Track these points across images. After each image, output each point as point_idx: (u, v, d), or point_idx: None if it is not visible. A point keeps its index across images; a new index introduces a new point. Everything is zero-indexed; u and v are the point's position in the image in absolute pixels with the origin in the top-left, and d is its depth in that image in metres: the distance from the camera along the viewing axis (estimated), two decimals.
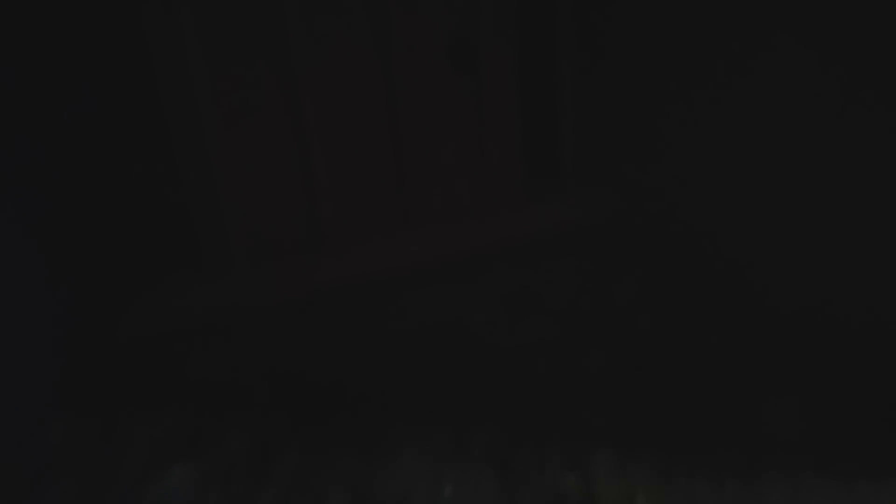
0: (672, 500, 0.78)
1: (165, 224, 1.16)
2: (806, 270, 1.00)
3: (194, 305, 1.12)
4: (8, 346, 1.01)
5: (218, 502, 0.79)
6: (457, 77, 1.21)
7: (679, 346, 1.03)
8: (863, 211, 0.89)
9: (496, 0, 1.19)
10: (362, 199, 1.23)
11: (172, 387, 0.99)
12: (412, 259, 1.25)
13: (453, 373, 1.00)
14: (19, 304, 1.02)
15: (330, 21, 1.11)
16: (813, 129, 0.93)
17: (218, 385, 1.00)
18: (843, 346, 0.97)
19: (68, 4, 1.04)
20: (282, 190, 1.17)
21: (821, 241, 0.96)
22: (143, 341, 1.10)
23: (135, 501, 0.79)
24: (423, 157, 1.25)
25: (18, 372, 1.01)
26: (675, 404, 0.91)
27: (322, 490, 0.80)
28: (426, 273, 1.27)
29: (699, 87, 1.10)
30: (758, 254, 1.07)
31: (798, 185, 0.98)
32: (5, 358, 1.00)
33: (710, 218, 1.16)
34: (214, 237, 1.15)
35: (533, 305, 1.16)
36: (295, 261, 1.19)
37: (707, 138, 1.12)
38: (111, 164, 1.10)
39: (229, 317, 1.15)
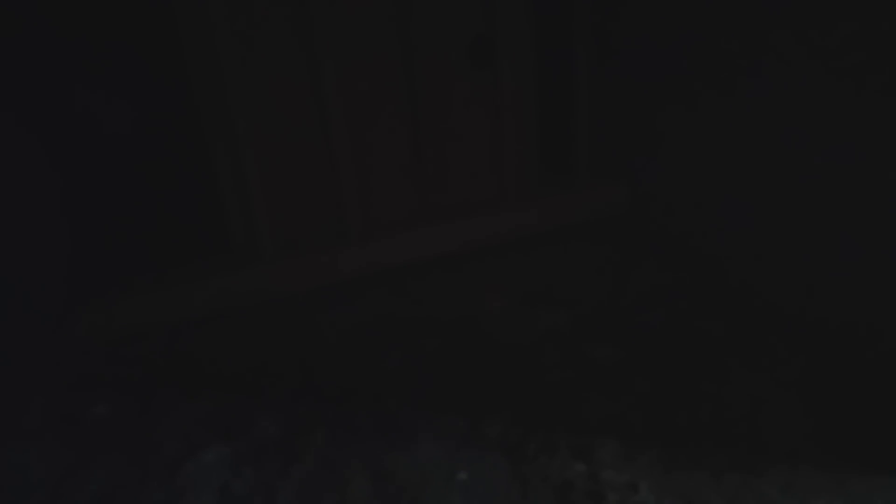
0: (673, 489, 0.83)
1: (194, 210, 1.21)
2: (802, 271, 1.04)
3: (223, 290, 1.18)
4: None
5: (251, 478, 0.85)
6: (475, 72, 1.25)
7: (685, 341, 1.07)
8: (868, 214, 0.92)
9: (513, 1, 1.22)
10: (382, 193, 1.27)
11: (202, 371, 1.05)
12: (431, 249, 1.30)
13: (468, 363, 1.05)
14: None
15: (354, 23, 1.14)
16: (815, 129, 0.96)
17: (248, 371, 1.06)
18: (846, 347, 1.00)
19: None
20: (308, 184, 1.22)
21: (821, 243, 1.00)
22: (171, 324, 1.16)
23: (173, 480, 0.85)
24: (441, 151, 1.29)
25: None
26: (679, 399, 0.96)
27: (346, 472, 0.86)
28: (444, 262, 1.31)
29: (705, 88, 1.13)
30: (759, 256, 1.11)
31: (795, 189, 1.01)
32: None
33: (708, 219, 1.19)
34: (244, 226, 1.20)
35: (544, 296, 1.21)
36: (320, 252, 1.24)
37: (710, 140, 1.14)
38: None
39: (257, 303, 1.21)
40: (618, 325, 1.12)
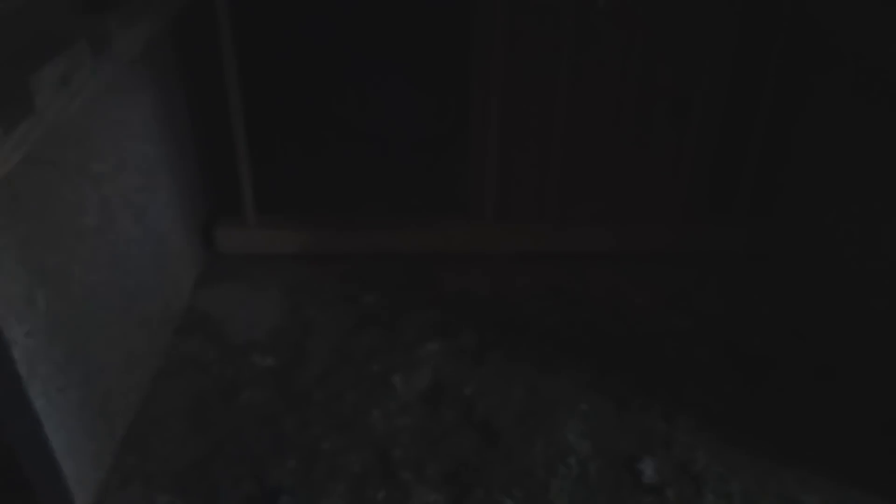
0: (721, 458, 1.22)
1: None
2: None
3: (454, 240, 1.69)
4: None
5: (452, 367, 1.37)
6: (669, 122, 1.61)
7: (775, 358, 1.42)
8: None
9: (714, 72, 1.55)
10: (579, 193, 1.69)
11: (434, 289, 1.59)
12: (605, 245, 1.71)
13: (607, 334, 1.48)
14: None
15: (588, 85, 1.55)
16: None
17: (460, 296, 1.57)
18: None
19: None
20: (525, 175, 1.67)
21: None
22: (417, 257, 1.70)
23: (409, 354, 1.39)
24: (631, 174, 1.68)
25: None
26: (753, 399, 1.33)
27: (510, 380, 1.35)
28: (612, 256, 1.72)
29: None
30: None
31: None
32: None
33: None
34: (477, 194, 1.69)
35: (679, 303, 1.59)
36: (523, 226, 1.70)
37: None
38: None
39: (473, 253, 1.71)
40: (727, 338, 1.48)
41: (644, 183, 1.70)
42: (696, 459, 1.22)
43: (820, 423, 1.29)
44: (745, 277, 1.68)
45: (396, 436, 1.24)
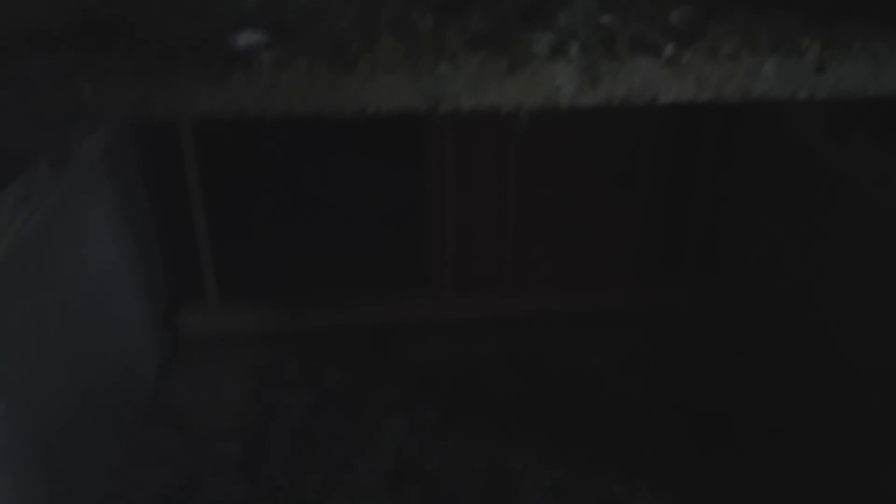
0: None
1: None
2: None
3: (415, 312, 1.74)
4: None
5: (415, 443, 1.40)
6: (617, 190, 1.70)
7: (734, 416, 1.48)
8: None
9: (657, 146, 1.65)
10: (527, 263, 1.76)
11: (393, 367, 1.62)
12: (559, 307, 1.77)
13: (567, 402, 1.53)
14: None
15: (539, 159, 1.64)
16: None
17: (423, 369, 1.61)
18: None
19: None
20: (482, 245, 1.73)
21: None
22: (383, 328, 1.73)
23: (371, 434, 1.42)
24: (580, 243, 1.75)
25: None
26: (711, 455, 1.38)
27: (474, 454, 1.38)
28: (565, 318, 1.78)
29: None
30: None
31: None
32: None
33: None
34: (437, 265, 1.74)
35: (636, 362, 1.65)
36: (482, 294, 1.76)
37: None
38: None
39: (433, 323, 1.75)
40: (681, 398, 1.54)
41: (596, 247, 1.78)
42: None
43: (771, 480, 1.34)
44: (694, 334, 1.74)
45: None
